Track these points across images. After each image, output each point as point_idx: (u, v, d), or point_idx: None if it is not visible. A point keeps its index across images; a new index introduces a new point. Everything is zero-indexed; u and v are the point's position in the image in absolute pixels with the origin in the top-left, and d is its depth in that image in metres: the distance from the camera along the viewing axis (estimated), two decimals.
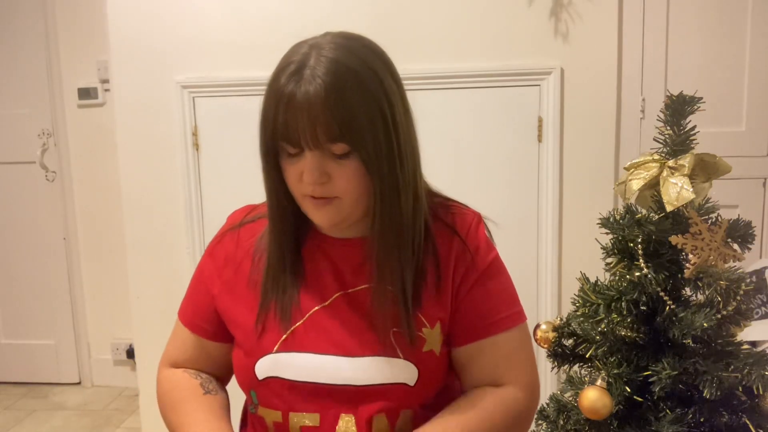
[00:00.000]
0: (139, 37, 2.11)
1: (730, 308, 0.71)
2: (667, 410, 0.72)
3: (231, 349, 0.97)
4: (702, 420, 0.72)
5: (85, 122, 2.88)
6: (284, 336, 0.89)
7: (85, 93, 2.84)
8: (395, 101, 0.83)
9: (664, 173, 0.74)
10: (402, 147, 0.84)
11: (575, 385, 0.79)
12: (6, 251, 3.00)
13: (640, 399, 0.75)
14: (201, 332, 0.98)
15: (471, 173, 2.02)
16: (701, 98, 0.74)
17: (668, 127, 0.75)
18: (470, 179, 2.02)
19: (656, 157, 0.76)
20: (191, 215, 2.15)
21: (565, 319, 0.84)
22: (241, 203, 1.05)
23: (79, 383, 3.05)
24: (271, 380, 0.90)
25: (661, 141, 0.76)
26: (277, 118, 0.80)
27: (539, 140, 2.00)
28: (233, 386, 1.00)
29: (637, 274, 0.74)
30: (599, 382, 0.74)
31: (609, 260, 0.80)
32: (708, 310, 0.71)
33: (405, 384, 0.88)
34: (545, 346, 0.93)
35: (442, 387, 0.94)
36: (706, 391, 0.69)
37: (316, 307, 0.90)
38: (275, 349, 0.89)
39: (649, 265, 0.74)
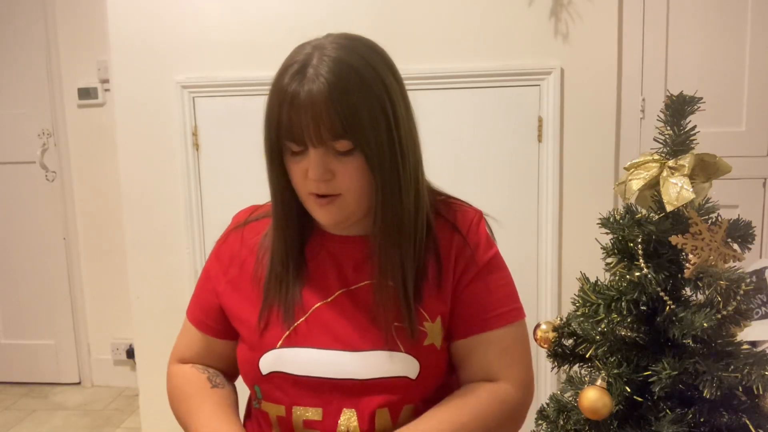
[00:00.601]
0: (139, 37, 2.11)
1: (730, 308, 0.71)
2: (667, 410, 0.72)
3: (232, 343, 1.00)
4: (702, 420, 0.72)
5: (85, 122, 2.88)
6: (287, 332, 0.91)
7: (85, 93, 2.84)
8: (397, 99, 0.85)
9: (664, 173, 0.74)
10: (403, 144, 0.86)
11: (575, 385, 0.79)
12: (6, 251, 3.00)
13: (640, 399, 0.75)
14: (208, 330, 1.01)
15: (471, 173, 2.02)
16: (701, 98, 0.74)
17: (668, 127, 0.75)
18: (470, 179, 2.02)
19: (656, 157, 0.76)
20: (191, 215, 2.15)
21: (565, 319, 0.84)
22: (241, 203, 1.05)
23: (79, 383, 3.05)
24: (274, 375, 0.91)
25: (661, 141, 0.76)
26: (282, 117, 0.82)
27: (539, 140, 2.00)
28: (238, 381, 1.02)
29: (637, 274, 0.74)
30: (599, 382, 0.74)
31: (609, 260, 0.80)
32: (708, 310, 0.71)
33: (407, 377, 0.89)
34: (545, 346, 0.93)
35: (444, 383, 0.95)
36: (706, 391, 0.69)
37: (319, 303, 0.92)
38: (279, 344, 0.91)
39: (649, 265, 0.74)
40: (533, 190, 2.02)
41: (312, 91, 0.79)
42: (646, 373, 0.73)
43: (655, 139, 0.78)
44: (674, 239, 0.71)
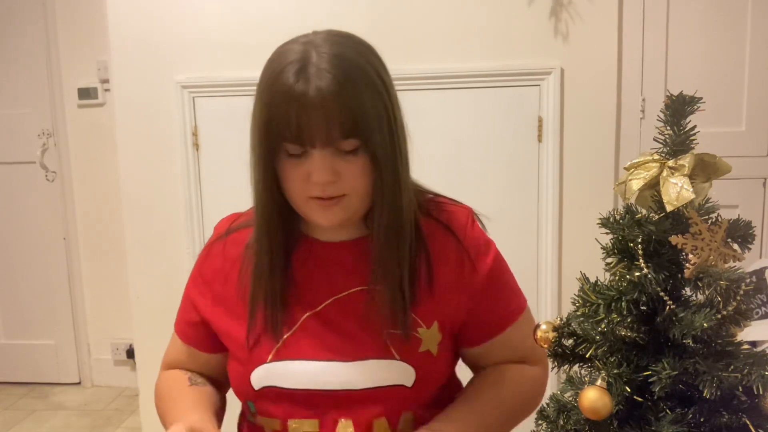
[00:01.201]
0: (139, 37, 2.11)
1: (730, 308, 0.71)
2: (667, 410, 0.72)
3: (224, 357, 0.96)
4: (702, 420, 0.72)
5: (85, 122, 2.88)
6: (277, 345, 0.88)
7: (85, 93, 2.84)
8: (393, 94, 0.84)
9: (664, 173, 0.74)
10: (401, 140, 0.84)
11: (575, 385, 0.79)
12: (6, 251, 3.00)
13: (640, 399, 0.75)
14: (193, 343, 0.98)
15: (471, 173, 2.02)
16: (701, 98, 0.74)
17: (668, 127, 0.75)
18: (470, 179, 2.02)
19: (656, 157, 0.76)
20: (191, 215, 2.15)
21: (565, 319, 0.84)
22: (241, 203, 1.05)
23: (79, 383, 3.05)
24: (267, 390, 0.89)
25: (661, 141, 0.76)
26: (288, 118, 0.77)
27: (539, 140, 2.00)
28: (229, 394, 1.00)
29: (637, 274, 0.74)
30: (599, 382, 0.74)
31: (609, 260, 0.80)
32: (708, 310, 0.71)
33: (402, 386, 0.87)
34: (545, 346, 0.93)
35: (442, 386, 0.94)
36: (706, 391, 0.69)
37: (308, 314, 0.89)
38: (269, 358, 0.88)
39: (649, 265, 0.74)
40: (533, 190, 2.02)
41: (321, 89, 0.75)
42: (646, 373, 0.73)
43: (655, 139, 0.78)
44: (674, 239, 0.71)
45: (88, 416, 2.74)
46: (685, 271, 0.71)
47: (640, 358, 0.74)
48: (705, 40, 1.99)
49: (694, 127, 0.75)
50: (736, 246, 0.72)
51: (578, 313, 0.79)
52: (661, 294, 0.72)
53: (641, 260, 0.73)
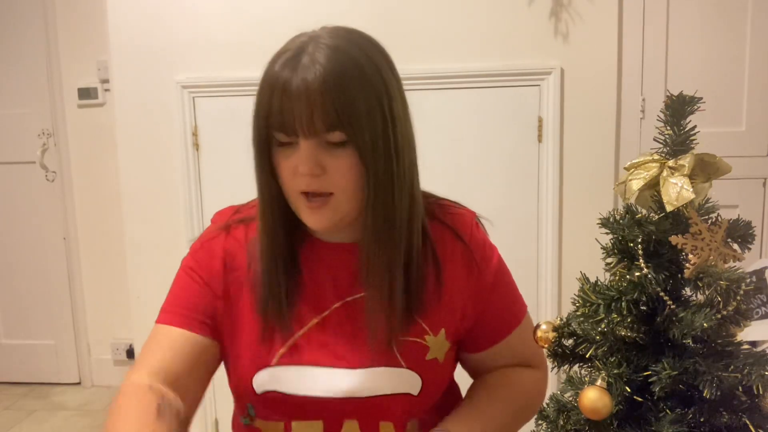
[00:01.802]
0: (139, 37, 2.11)
1: (730, 308, 0.71)
2: (667, 410, 0.72)
3: (216, 348, 0.89)
4: (702, 420, 0.72)
5: (85, 122, 2.88)
6: (283, 349, 0.86)
7: (85, 93, 2.84)
8: (394, 95, 0.81)
9: (664, 173, 0.74)
10: (399, 142, 0.81)
11: (575, 385, 0.79)
12: (6, 251, 3.00)
13: (640, 399, 0.75)
14: (197, 327, 0.87)
15: (471, 173, 2.02)
16: (701, 98, 0.74)
17: (668, 127, 0.75)
18: (470, 179, 2.02)
19: (656, 157, 0.76)
20: (191, 215, 2.15)
21: (565, 319, 0.84)
22: (241, 203, 1.04)
23: (79, 383, 3.05)
24: (269, 394, 0.87)
25: (661, 141, 0.76)
26: (272, 105, 0.77)
27: (539, 140, 2.00)
28: (224, 397, 0.96)
29: (637, 274, 0.74)
30: (599, 382, 0.73)
31: (609, 260, 0.80)
32: (708, 310, 0.71)
33: (409, 394, 0.86)
34: (545, 346, 0.93)
35: (444, 391, 0.94)
36: (706, 391, 0.69)
37: (315, 319, 0.87)
38: (274, 362, 0.86)
39: (649, 265, 0.74)
40: (533, 190, 2.02)
41: (306, 78, 0.74)
42: (646, 373, 0.73)
43: (655, 139, 0.78)
44: (674, 239, 0.71)
45: (88, 416, 2.74)
46: (685, 271, 0.71)
47: (640, 358, 0.74)
48: (705, 40, 1.99)
49: (694, 127, 0.75)
50: (736, 246, 0.72)
51: (578, 313, 0.79)
52: (661, 294, 0.72)
53: (641, 260, 0.73)
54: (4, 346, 3.06)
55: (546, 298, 2.05)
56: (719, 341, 0.73)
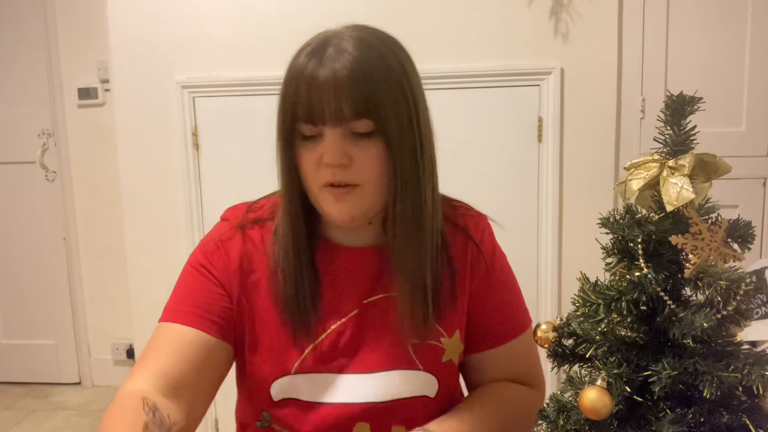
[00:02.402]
0: (139, 37, 2.11)
1: (730, 308, 0.71)
2: (667, 410, 0.72)
3: (231, 351, 0.87)
4: (702, 420, 0.72)
5: (85, 122, 2.88)
6: (302, 356, 0.84)
7: (85, 93, 2.84)
8: (416, 88, 0.81)
9: (664, 173, 0.74)
10: (423, 134, 0.81)
11: (575, 385, 0.79)
12: (6, 251, 3.00)
13: (640, 399, 0.75)
14: (210, 328, 0.83)
15: (471, 173, 2.02)
16: (701, 98, 0.74)
17: (668, 127, 0.75)
18: (470, 179, 2.02)
19: (656, 157, 0.76)
20: (191, 215, 2.15)
21: (565, 319, 0.84)
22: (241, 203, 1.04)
23: (79, 383, 3.05)
24: (287, 401, 0.86)
25: (661, 141, 0.76)
26: (299, 95, 0.76)
27: (539, 140, 2.00)
28: (224, 397, 0.94)
29: (637, 274, 0.74)
30: (599, 382, 0.73)
31: (609, 260, 0.80)
32: (708, 310, 0.71)
33: (426, 396, 0.86)
34: (545, 346, 0.93)
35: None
36: (706, 391, 0.69)
37: (335, 325, 0.85)
38: (293, 370, 0.84)
39: (649, 265, 0.74)
40: (533, 190, 2.02)
41: (334, 67, 0.74)
42: (646, 373, 0.73)
43: (655, 139, 0.78)
44: (674, 239, 0.71)
45: (88, 416, 2.74)
46: (685, 271, 0.70)
47: (640, 358, 0.74)
48: (705, 40, 1.99)
49: (694, 127, 0.75)
50: (736, 246, 0.72)
51: (578, 313, 0.79)
52: (661, 294, 0.72)
53: (641, 260, 0.73)
54: (4, 346, 3.06)
55: (546, 298, 2.05)
56: (719, 341, 0.73)
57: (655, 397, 0.72)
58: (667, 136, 0.75)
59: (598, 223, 0.83)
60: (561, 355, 0.89)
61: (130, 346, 2.95)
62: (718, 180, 0.77)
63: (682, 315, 0.70)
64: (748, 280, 0.71)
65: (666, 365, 0.69)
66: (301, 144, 0.79)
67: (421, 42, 1.99)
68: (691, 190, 0.70)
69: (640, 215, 0.78)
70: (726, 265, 0.70)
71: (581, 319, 0.80)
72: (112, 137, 2.25)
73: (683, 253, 0.73)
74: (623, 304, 0.72)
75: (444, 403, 0.88)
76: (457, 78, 1.98)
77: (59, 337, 3.02)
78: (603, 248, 0.82)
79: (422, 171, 0.80)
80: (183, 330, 0.82)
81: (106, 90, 2.78)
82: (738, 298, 0.70)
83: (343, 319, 0.86)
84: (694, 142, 0.75)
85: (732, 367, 0.69)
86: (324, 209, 0.81)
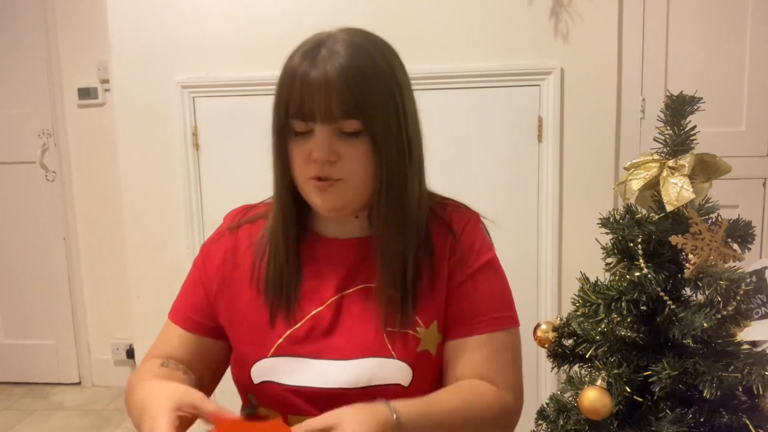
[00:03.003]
0: (139, 37, 2.11)
1: (730, 308, 0.71)
2: (667, 410, 0.72)
3: (225, 346, 0.96)
4: (702, 420, 0.72)
5: (85, 122, 2.88)
6: (280, 340, 0.89)
7: (85, 93, 2.84)
8: (405, 91, 0.86)
9: (664, 173, 0.74)
10: (410, 135, 0.86)
11: (575, 385, 0.79)
12: (6, 251, 2.99)
13: (640, 399, 0.75)
14: (195, 328, 0.95)
15: (471, 173, 2.02)
16: (701, 98, 0.74)
17: (668, 127, 0.75)
18: (470, 179, 2.02)
19: (656, 157, 0.76)
20: (191, 215, 2.15)
21: (565, 319, 0.84)
22: (241, 203, 1.05)
23: (79, 383, 3.05)
24: (266, 384, 0.89)
25: (661, 141, 0.76)
26: (292, 93, 0.81)
27: (539, 140, 2.00)
28: (224, 395, 0.98)
29: (637, 274, 0.74)
30: (599, 382, 0.74)
31: (609, 260, 0.80)
32: (708, 310, 0.71)
33: (399, 384, 0.87)
34: (545, 346, 0.93)
35: (436, 387, 0.92)
36: (706, 391, 0.69)
37: (314, 311, 0.90)
38: (271, 353, 0.89)
39: (649, 265, 0.74)
40: (533, 190, 2.02)
41: (326, 68, 0.79)
42: (646, 373, 0.73)
43: (655, 139, 0.78)
44: (674, 239, 0.71)
45: (88, 416, 2.74)
46: (685, 271, 0.71)
47: (640, 358, 0.74)
48: (705, 40, 1.99)
49: (694, 127, 0.75)
50: (736, 246, 0.72)
51: (578, 313, 0.79)
52: (661, 294, 0.72)
53: (641, 260, 0.73)
54: (4, 346, 3.06)
55: (546, 298, 2.05)
56: (719, 341, 0.73)
57: (655, 397, 0.72)
58: (667, 136, 0.75)
59: (598, 223, 0.83)
60: (561, 355, 0.89)
61: (130, 346, 2.94)
62: (718, 180, 0.77)
63: (682, 315, 0.70)
64: (748, 280, 0.71)
65: (666, 365, 0.69)
66: (293, 139, 0.84)
67: (422, 42, 1.99)
68: (691, 190, 0.70)
69: (640, 215, 0.78)
70: (726, 265, 0.71)
71: (581, 319, 0.80)
72: (112, 137, 2.25)
73: (683, 253, 0.73)
74: (623, 304, 0.72)
75: (419, 394, 0.86)
76: (458, 78, 1.98)
77: (59, 337, 3.02)
78: (603, 248, 0.82)
79: (408, 169, 0.86)
80: (180, 331, 0.95)
81: (106, 90, 2.77)
82: (738, 298, 0.70)
83: (322, 307, 0.90)
84: (694, 142, 0.75)
85: (732, 367, 0.69)
86: (310, 200, 0.87)
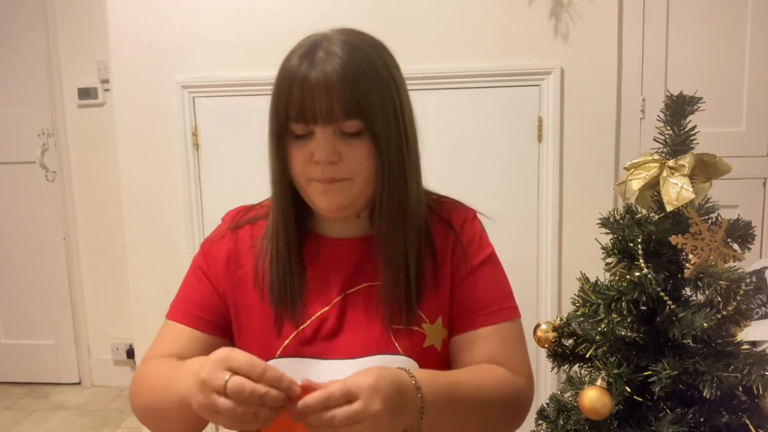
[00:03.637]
0: (139, 37, 2.11)
1: (730, 308, 0.71)
2: (667, 410, 0.72)
3: (233, 345, 0.95)
4: (702, 420, 0.72)
5: (85, 122, 2.88)
6: (287, 341, 0.89)
7: (85, 93, 2.84)
8: (402, 90, 0.87)
9: (664, 173, 0.74)
10: (409, 133, 0.87)
11: (575, 385, 0.79)
12: (6, 251, 3.00)
13: (640, 399, 0.75)
14: (206, 327, 0.92)
15: (471, 173, 2.02)
16: (701, 98, 0.74)
17: (668, 127, 0.75)
18: (470, 179, 2.02)
19: (656, 157, 0.76)
20: (191, 215, 2.15)
21: (565, 319, 0.84)
22: (241, 203, 1.05)
23: (79, 383, 3.05)
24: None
25: (661, 141, 0.76)
26: (292, 96, 0.80)
27: (539, 140, 2.00)
28: None
29: (637, 274, 0.74)
30: (599, 382, 0.74)
31: (609, 260, 0.80)
32: (708, 310, 0.71)
33: None
34: (545, 346, 0.93)
35: None
36: (706, 391, 0.69)
37: (319, 312, 0.90)
38: (278, 354, 0.89)
39: (649, 265, 0.74)
40: (533, 190, 2.02)
41: (325, 69, 0.79)
42: (646, 373, 0.73)
43: (655, 139, 0.78)
44: (674, 239, 0.71)
45: (88, 416, 2.74)
46: (685, 271, 0.71)
47: (640, 358, 0.74)
48: (705, 40, 1.99)
49: (694, 127, 0.75)
50: (736, 246, 0.72)
51: (578, 313, 0.79)
52: (661, 294, 0.72)
53: (641, 260, 0.73)
54: (4, 346, 3.06)
55: (546, 298, 2.05)
56: (719, 341, 0.73)
57: (655, 397, 0.72)
58: (667, 136, 0.75)
59: (598, 223, 0.83)
60: (561, 355, 0.89)
61: (130, 346, 2.95)
62: (718, 180, 0.77)
63: (682, 315, 0.70)
64: (748, 280, 0.71)
65: (666, 365, 0.69)
66: (292, 142, 0.84)
67: (421, 42, 1.99)
68: (691, 190, 0.70)
69: (640, 215, 0.78)
70: (726, 265, 0.71)
71: (581, 319, 0.80)
72: (112, 137, 2.25)
73: (683, 253, 0.73)
74: (623, 304, 0.72)
75: None
76: (457, 78, 1.98)
77: (59, 337, 3.02)
78: (603, 248, 0.82)
79: (408, 167, 0.86)
80: (184, 330, 0.92)
81: (106, 90, 2.78)
82: (738, 298, 0.70)
83: (327, 307, 0.90)
84: (694, 142, 0.75)
85: (732, 367, 0.69)
86: (313, 201, 0.87)
